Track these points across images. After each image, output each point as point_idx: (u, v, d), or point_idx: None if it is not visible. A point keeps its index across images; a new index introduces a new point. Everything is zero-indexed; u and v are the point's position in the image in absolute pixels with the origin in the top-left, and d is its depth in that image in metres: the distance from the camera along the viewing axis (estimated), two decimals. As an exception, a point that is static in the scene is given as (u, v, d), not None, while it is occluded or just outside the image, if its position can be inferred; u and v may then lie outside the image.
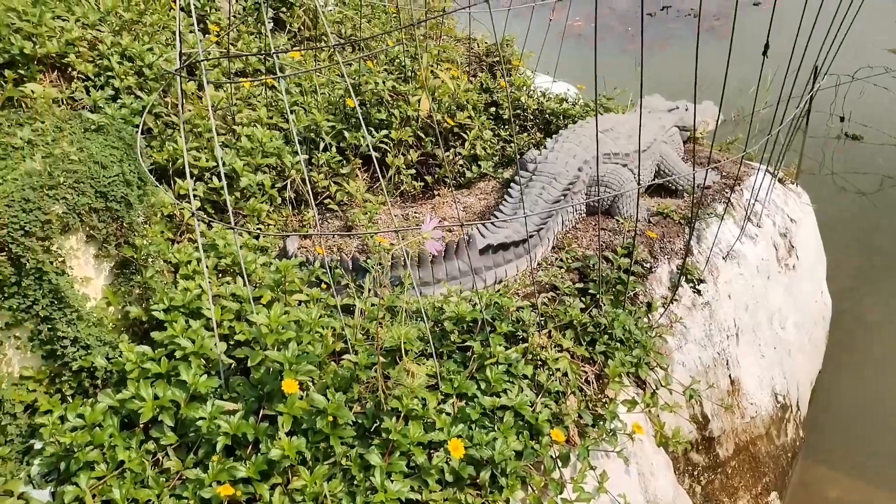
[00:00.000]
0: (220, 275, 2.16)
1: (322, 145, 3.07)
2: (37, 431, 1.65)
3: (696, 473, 2.60)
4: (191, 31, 3.50)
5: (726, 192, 3.12)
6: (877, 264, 4.40)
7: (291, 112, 3.15)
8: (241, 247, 2.35)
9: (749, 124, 2.60)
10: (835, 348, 3.64)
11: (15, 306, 1.62)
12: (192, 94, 2.97)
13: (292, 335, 1.74)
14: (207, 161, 2.56)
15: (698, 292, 2.73)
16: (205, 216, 2.43)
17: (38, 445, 1.64)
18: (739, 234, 2.99)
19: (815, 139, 5.63)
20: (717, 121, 3.11)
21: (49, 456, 1.61)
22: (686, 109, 3.49)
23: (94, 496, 1.56)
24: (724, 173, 3.33)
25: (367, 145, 3.05)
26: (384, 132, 3.10)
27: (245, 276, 1.82)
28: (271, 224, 2.70)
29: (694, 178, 3.15)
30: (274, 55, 1.58)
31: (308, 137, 3.08)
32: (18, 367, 1.72)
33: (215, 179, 2.51)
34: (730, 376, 2.77)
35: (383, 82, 3.29)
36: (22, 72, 2.55)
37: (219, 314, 1.86)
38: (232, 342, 1.86)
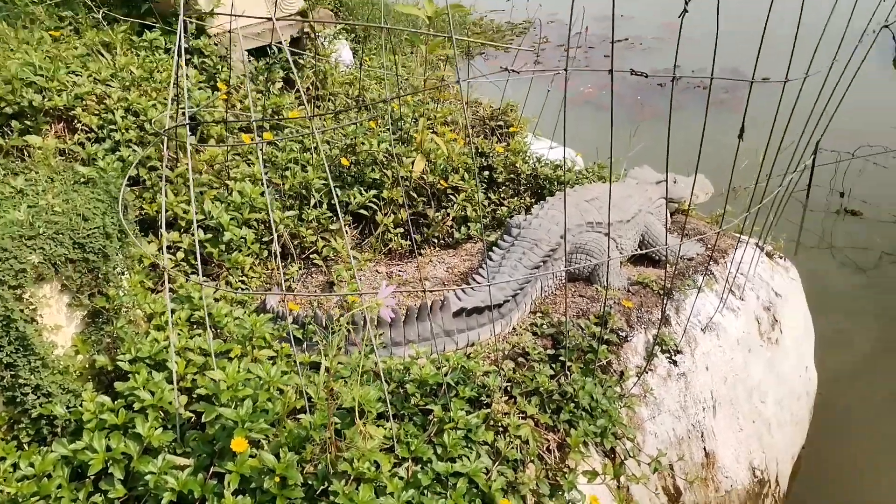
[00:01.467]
0: (194, 327, 2.22)
1: (313, 202, 3.17)
2: (-14, 479, 1.68)
3: (666, 550, 2.54)
4: (199, 89, 3.67)
5: (708, 265, 3.15)
6: (871, 339, 4.35)
7: (286, 169, 3.26)
8: (219, 299, 2.41)
9: (725, 198, 2.65)
10: (820, 424, 3.58)
11: (-22, 352, 1.66)
12: (192, 148, 3.10)
13: (249, 392, 1.77)
14: (196, 214, 2.65)
15: (674, 363, 2.73)
16: (186, 268, 2.50)
17: (-16, 493, 1.66)
18: (719, 305, 2.99)
19: (816, 213, 5.67)
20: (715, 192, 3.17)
21: (-6, 505, 1.63)
22: (675, 182, 3.55)
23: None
24: (709, 245, 3.36)
25: (356, 203, 3.14)
26: (373, 192, 3.19)
27: (210, 329, 1.87)
28: (255, 277, 2.77)
29: (678, 249, 3.19)
30: (255, 122, 1.67)
31: (300, 193, 3.17)
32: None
33: (201, 232, 2.60)
34: (704, 448, 2.74)
35: (378, 143, 3.41)
36: (29, 122, 2.70)
37: (183, 367, 1.90)
38: (194, 396, 1.89)
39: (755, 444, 2.94)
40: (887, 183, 5.48)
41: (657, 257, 3.22)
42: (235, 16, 1.86)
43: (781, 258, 3.63)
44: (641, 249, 3.20)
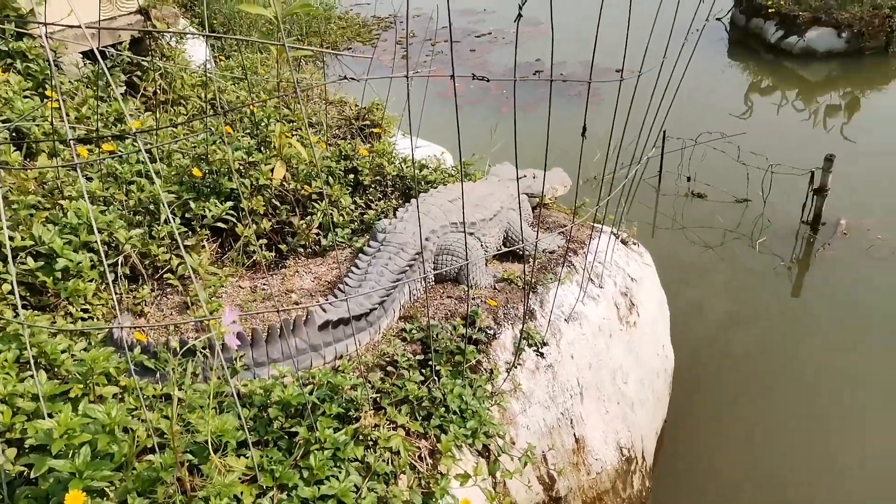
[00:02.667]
0: (26, 367, 2.00)
1: (163, 217, 2.97)
2: None
3: (543, 537, 2.64)
4: (24, 97, 3.32)
5: (569, 256, 3.29)
6: (720, 311, 4.75)
7: (131, 183, 3.03)
8: (55, 334, 2.20)
9: (576, 192, 2.76)
10: (679, 399, 3.87)
11: None
12: (19, 164, 2.80)
13: (88, 437, 1.62)
14: (23, 240, 2.40)
15: (541, 355, 2.82)
16: (14, 301, 2.25)
17: None
18: (581, 295, 3.14)
19: (668, 197, 6.10)
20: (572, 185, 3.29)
21: None
22: (534, 177, 3.67)
23: None
24: (569, 237, 3.51)
25: (212, 216, 2.98)
26: (229, 204, 3.04)
27: (43, 370, 1.69)
28: (99, 304, 2.55)
29: (540, 243, 3.30)
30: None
31: (148, 209, 2.96)
32: None
33: (30, 260, 2.35)
34: (574, 435, 2.86)
35: (234, 151, 3.25)
36: None
37: (10, 416, 1.71)
38: (26, 447, 1.71)
39: (621, 424, 3.11)
40: (725, 166, 6.00)
41: (521, 253, 3.32)
42: (45, 24, 1.68)
43: (636, 244, 3.86)
44: (505, 246, 3.28)
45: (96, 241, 2.52)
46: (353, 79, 1.75)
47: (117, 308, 2.48)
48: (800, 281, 5.05)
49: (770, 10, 9.61)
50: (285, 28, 3.14)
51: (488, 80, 2.01)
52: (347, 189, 3.62)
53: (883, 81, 8.61)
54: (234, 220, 3.10)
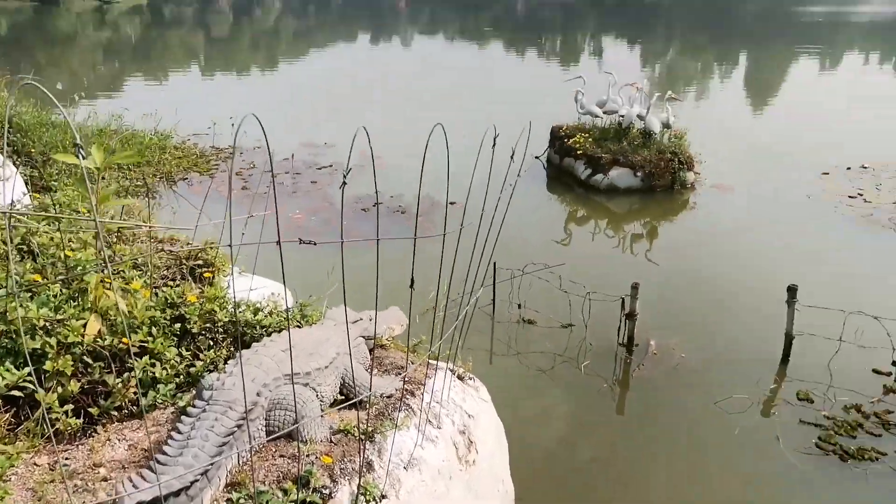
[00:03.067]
0: None
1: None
2: None
3: None
4: None
5: (407, 399, 3.31)
6: (556, 433, 4.96)
7: None
8: None
9: (408, 333, 2.84)
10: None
11: None
12: None
13: None
14: None
15: (380, 510, 2.75)
16: None
17: None
18: (419, 438, 3.14)
19: (503, 324, 6.44)
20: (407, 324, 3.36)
21: None
22: (370, 319, 3.73)
23: None
24: (406, 378, 3.55)
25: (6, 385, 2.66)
26: (27, 370, 2.74)
27: None
28: None
29: (377, 388, 3.30)
30: None
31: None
32: None
33: None
34: (417, 593, 2.76)
35: (38, 307, 2.98)
36: None
37: None
38: None
39: (463, 571, 3.06)
40: (550, 294, 6.51)
41: (358, 399, 3.29)
42: None
43: (472, 379, 3.99)
44: (342, 394, 3.25)
45: None
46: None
47: None
48: (622, 400, 5.46)
49: (578, 153, 10.96)
50: (99, 174, 3.01)
51: (315, 244, 2.08)
52: (173, 340, 3.43)
53: (673, 213, 10.01)
54: (34, 386, 2.79)
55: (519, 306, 6.57)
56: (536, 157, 12.21)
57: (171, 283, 4.42)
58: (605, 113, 11.43)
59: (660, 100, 11.18)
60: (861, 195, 10.27)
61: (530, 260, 6.83)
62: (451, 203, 9.27)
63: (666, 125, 10.65)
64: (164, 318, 3.49)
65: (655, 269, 7.98)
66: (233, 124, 12.30)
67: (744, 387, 5.41)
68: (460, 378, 3.89)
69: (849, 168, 11.65)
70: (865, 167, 11.67)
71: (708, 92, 22.21)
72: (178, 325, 3.49)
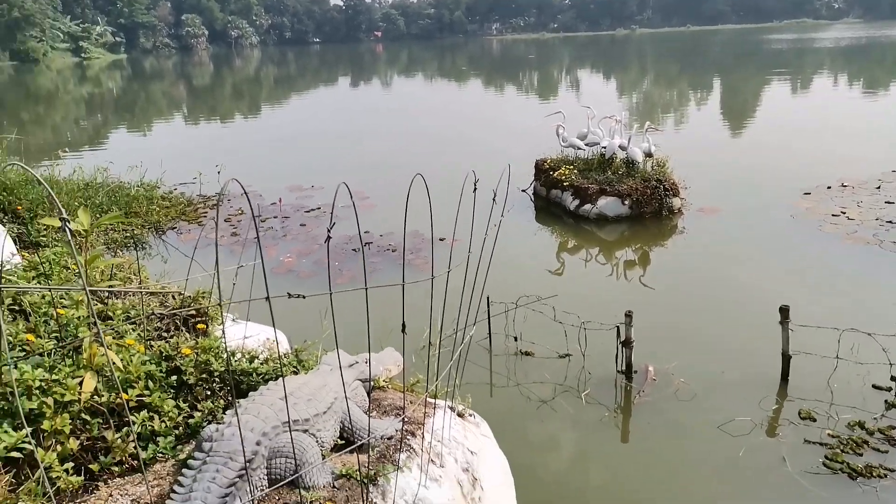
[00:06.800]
0: None
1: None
2: None
3: None
4: None
5: (408, 439, 3.28)
6: (560, 465, 4.91)
7: None
8: None
9: (404, 374, 2.83)
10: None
11: None
12: None
13: None
14: None
15: (387, 556, 2.70)
16: None
17: None
18: (423, 479, 3.11)
19: (500, 357, 6.42)
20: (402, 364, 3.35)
21: None
22: (366, 362, 3.71)
23: None
24: (405, 418, 3.53)
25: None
26: (25, 431, 2.70)
27: None
28: None
29: (376, 432, 3.27)
30: None
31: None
32: None
33: None
34: None
35: (33, 369, 2.95)
36: None
37: None
38: None
39: None
40: (545, 325, 6.51)
41: (359, 443, 3.26)
42: None
43: (472, 416, 3.96)
44: (342, 438, 3.22)
45: None
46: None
47: None
48: (625, 427, 5.42)
49: (565, 184, 11.09)
50: (87, 235, 3.02)
51: (304, 297, 2.09)
52: (170, 392, 3.40)
53: (662, 238, 10.10)
54: (33, 446, 2.74)
55: (515, 339, 6.56)
56: (523, 191, 12.34)
57: (165, 334, 4.39)
58: (586, 145, 11.63)
59: (639, 131, 11.39)
60: (844, 213, 10.43)
61: (523, 292, 6.84)
62: (441, 239, 9.41)
63: (648, 154, 10.83)
64: (160, 372, 3.46)
65: (649, 294, 8.03)
66: (219, 172, 12.44)
67: (745, 408, 5.40)
68: (460, 415, 3.87)
69: (829, 187, 11.86)
70: (845, 185, 11.88)
71: (686, 118, 22.69)
72: (174, 378, 3.46)
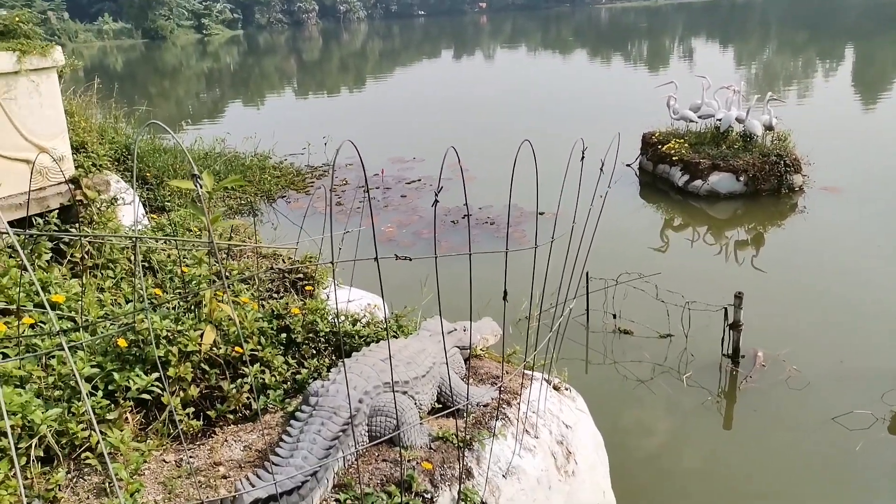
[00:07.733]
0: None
1: (85, 391, 2.85)
2: None
3: None
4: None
5: (503, 408, 3.32)
6: (657, 445, 4.80)
7: (51, 357, 2.94)
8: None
9: (503, 344, 2.85)
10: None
11: None
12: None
13: None
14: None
15: (481, 517, 2.76)
16: None
17: None
18: (517, 448, 3.14)
19: (597, 334, 6.31)
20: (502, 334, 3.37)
21: None
22: (465, 330, 3.76)
23: None
24: (502, 387, 3.56)
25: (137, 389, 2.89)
26: (154, 375, 2.96)
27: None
28: (6, 493, 2.37)
29: (473, 397, 3.33)
30: None
31: (69, 384, 2.85)
32: None
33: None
34: None
35: (161, 318, 3.22)
36: None
37: None
38: None
39: (566, 583, 3.01)
40: (646, 304, 6.31)
41: (455, 408, 3.33)
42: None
43: (568, 389, 3.93)
44: (439, 402, 3.29)
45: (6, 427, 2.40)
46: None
47: (23, 496, 2.31)
48: (729, 413, 5.20)
49: (674, 158, 10.60)
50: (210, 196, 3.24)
51: (410, 260, 2.14)
52: (279, 349, 3.61)
53: (780, 218, 9.48)
54: (160, 390, 3.01)
55: (614, 316, 6.42)
56: (628, 165, 11.92)
57: (275, 295, 4.65)
58: (700, 117, 11.02)
59: (759, 101, 10.66)
60: None
61: (624, 269, 6.65)
62: (541, 213, 9.29)
63: (768, 127, 10.13)
64: (271, 329, 3.67)
65: (761, 277, 7.59)
66: (325, 143, 12.84)
67: (865, 402, 5.02)
68: (556, 388, 3.85)
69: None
70: None
71: (811, 90, 20.96)
72: (283, 336, 3.67)
